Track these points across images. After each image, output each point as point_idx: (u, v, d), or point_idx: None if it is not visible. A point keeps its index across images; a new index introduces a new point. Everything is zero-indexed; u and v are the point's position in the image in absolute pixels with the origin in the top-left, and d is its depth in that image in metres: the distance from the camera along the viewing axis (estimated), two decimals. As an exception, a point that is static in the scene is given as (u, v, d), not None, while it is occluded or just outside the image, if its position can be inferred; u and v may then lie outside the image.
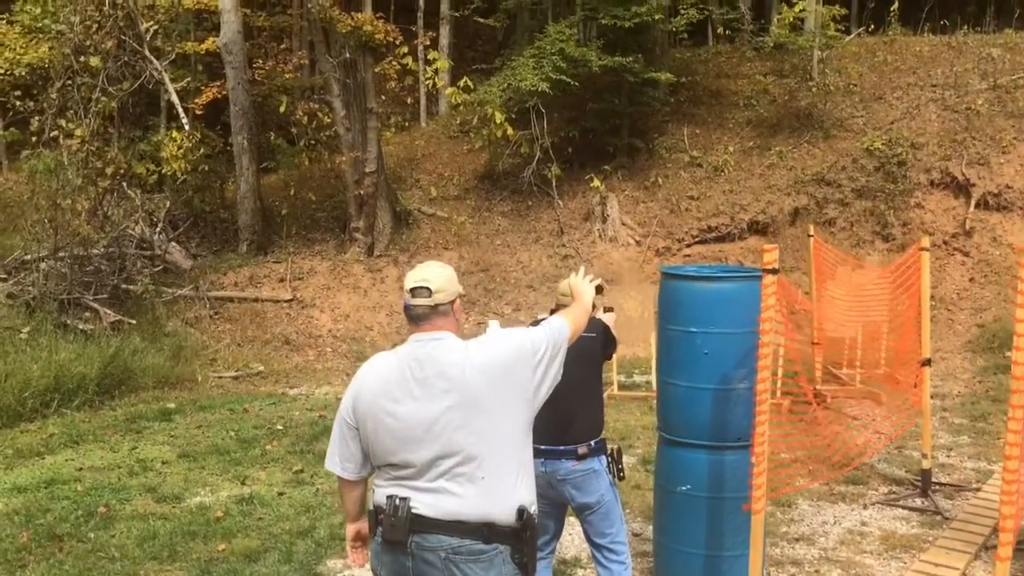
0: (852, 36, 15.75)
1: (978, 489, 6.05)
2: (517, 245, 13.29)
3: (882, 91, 14.37)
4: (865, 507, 5.82)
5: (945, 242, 11.97)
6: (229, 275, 12.71)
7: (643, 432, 7.55)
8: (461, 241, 13.35)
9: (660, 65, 14.29)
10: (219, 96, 14.33)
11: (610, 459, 3.82)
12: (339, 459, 2.80)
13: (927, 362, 6.02)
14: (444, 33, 17.25)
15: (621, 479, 3.88)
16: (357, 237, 13.06)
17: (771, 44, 15.32)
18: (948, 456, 6.92)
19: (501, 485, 2.58)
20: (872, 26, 16.21)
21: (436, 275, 2.73)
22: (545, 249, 13.13)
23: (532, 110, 13.37)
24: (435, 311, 2.69)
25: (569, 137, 14.20)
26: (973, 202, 12.16)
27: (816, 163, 13.32)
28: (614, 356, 4.21)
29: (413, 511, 2.56)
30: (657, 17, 13.34)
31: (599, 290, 3.46)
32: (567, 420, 3.65)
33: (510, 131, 13.24)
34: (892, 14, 15.89)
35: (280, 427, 7.92)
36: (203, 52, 14.63)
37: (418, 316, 2.70)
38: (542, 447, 3.47)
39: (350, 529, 2.95)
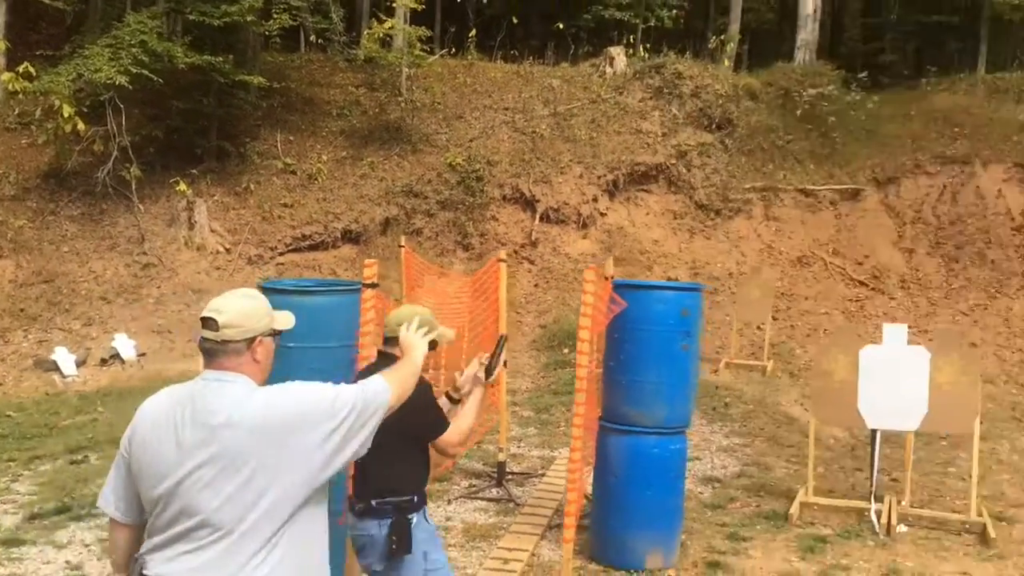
0: (436, 57, 16.78)
1: (543, 475, 6.81)
2: (89, 253, 12.06)
3: (463, 111, 15.52)
4: (449, 502, 6.24)
5: (515, 251, 13.29)
6: None
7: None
8: (19, 248, 11.76)
9: (252, 67, 13.95)
10: None
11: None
12: (112, 496, 2.39)
13: (504, 363, 6.62)
14: (1, 11, 15.05)
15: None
16: None
17: (362, 57, 15.76)
18: (519, 447, 7.69)
19: (239, 561, 2.18)
20: (454, 50, 17.43)
21: (231, 306, 2.31)
22: (123, 257, 12.09)
23: (108, 104, 12.23)
24: (223, 348, 2.28)
25: (151, 136, 13.24)
26: (538, 216, 13.69)
27: (405, 175, 13.98)
28: None
29: (143, 573, 2.23)
30: (249, 19, 12.99)
31: (432, 346, 3.00)
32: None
33: (81, 126, 11.98)
34: (470, 40, 17.25)
35: None
36: None
37: (206, 351, 2.31)
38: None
39: None
